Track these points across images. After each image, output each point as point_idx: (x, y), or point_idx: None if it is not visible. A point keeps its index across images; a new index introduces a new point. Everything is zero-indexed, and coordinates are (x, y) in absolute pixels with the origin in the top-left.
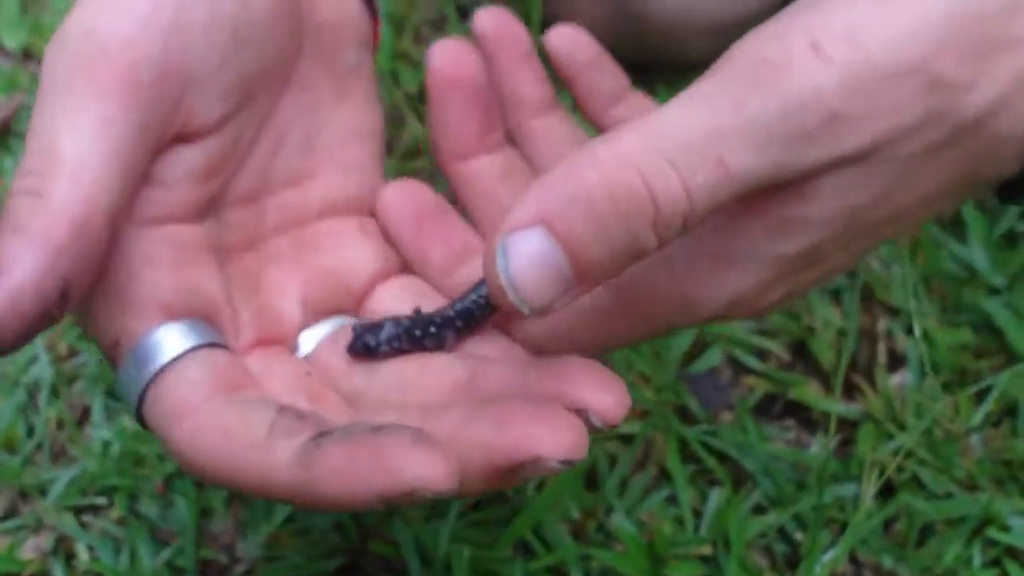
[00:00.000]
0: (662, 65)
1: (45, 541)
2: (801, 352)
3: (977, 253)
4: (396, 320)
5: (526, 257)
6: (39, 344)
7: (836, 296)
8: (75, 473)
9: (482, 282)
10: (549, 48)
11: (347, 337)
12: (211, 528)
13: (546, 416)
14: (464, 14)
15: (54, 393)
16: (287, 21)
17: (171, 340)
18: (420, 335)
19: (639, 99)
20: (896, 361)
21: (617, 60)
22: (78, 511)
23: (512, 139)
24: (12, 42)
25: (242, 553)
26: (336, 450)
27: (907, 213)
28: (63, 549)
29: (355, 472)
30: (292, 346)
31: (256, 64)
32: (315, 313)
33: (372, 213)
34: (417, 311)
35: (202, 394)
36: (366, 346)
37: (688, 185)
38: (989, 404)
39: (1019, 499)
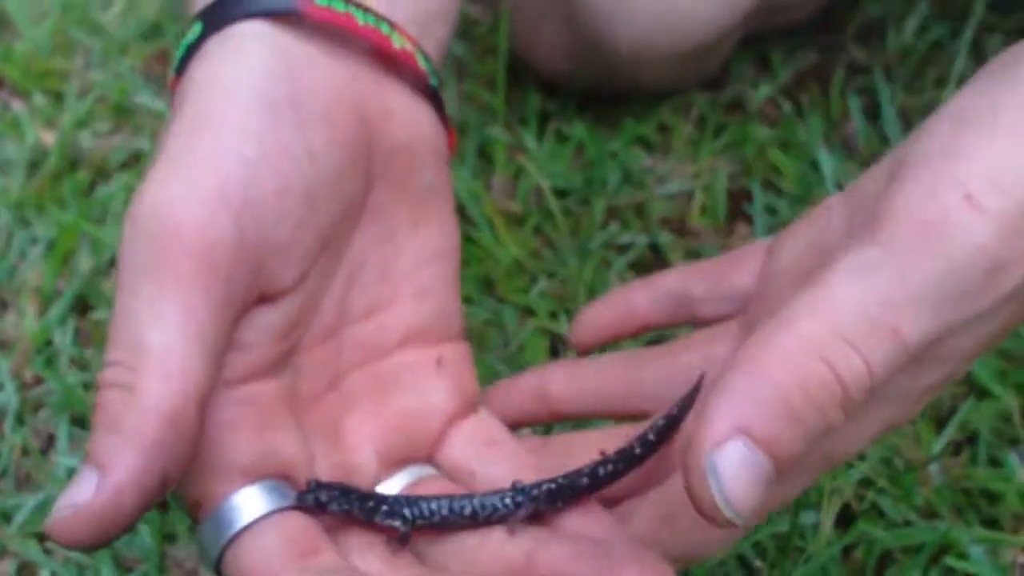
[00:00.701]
0: (624, 92)
1: (8, 567)
2: None
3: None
4: (350, 492)
5: (733, 471)
6: (4, 372)
7: None
8: (40, 500)
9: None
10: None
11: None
12: (174, 554)
13: None
14: None
15: (19, 420)
16: (358, 160)
17: (249, 504)
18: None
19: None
20: None
21: (580, 90)
22: (42, 538)
23: None
24: None
25: None
26: None
27: None
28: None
29: None
30: None
31: (331, 217)
32: (391, 463)
33: (450, 334)
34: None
35: (278, 562)
36: (316, 501)
37: (869, 361)
38: (949, 433)
39: (977, 527)
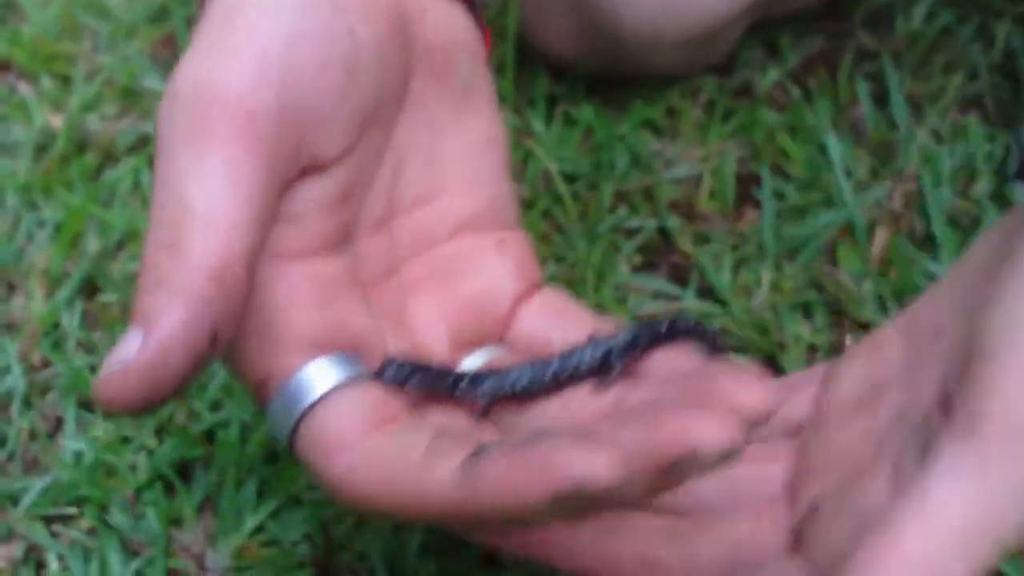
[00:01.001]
0: (633, 77)
1: (15, 550)
2: (771, 367)
3: (949, 269)
4: (430, 367)
5: None
6: (11, 355)
7: (806, 311)
8: (47, 483)
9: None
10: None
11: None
12: (181, 538)
13: (698, 413)
14: None
15: (27, 404)
16: (396, 50)
17: (321, 375)
18: (452, 384)
19: None
20: None
21: (589, 73)
22: (49, 521)
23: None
24: None
25: (211, 564)
26: (498, 460)
27: None
28: (33, 559)
29: (521, 478)
30: None
31: (371, 95)
32: (463, 345)
33: (504, 222)
34: (591, 337)
35: (357, 429)
36: (396, 376)
37: (973, 569)
38: None
39: None
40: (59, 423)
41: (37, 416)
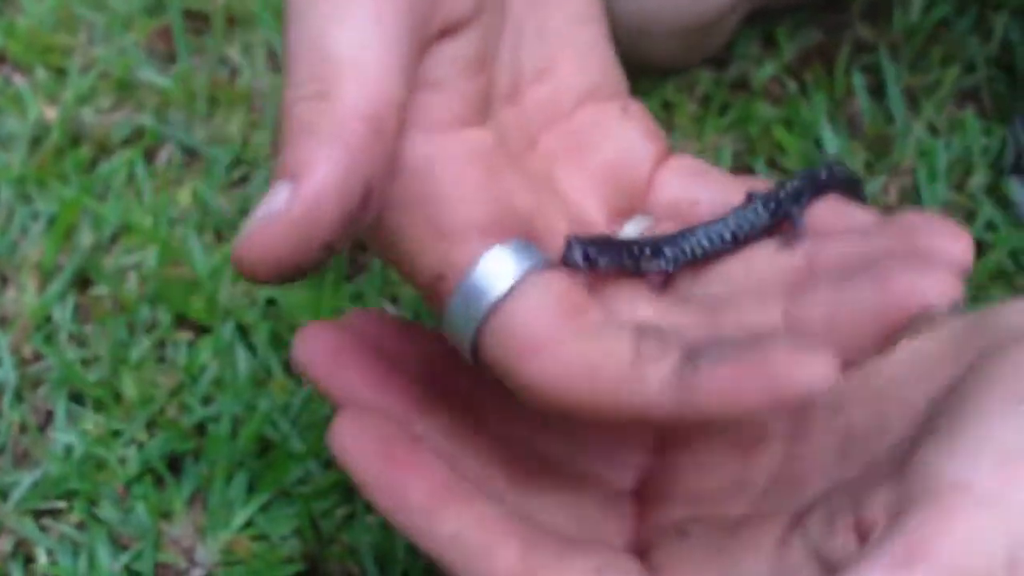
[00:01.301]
0: (628, 70)
1: (4, 544)
2: None
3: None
4: (612, 242)
5: None
6: (3, 348)
7: None
8: (36, 477)
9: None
10: None
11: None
12: (170, 532)
13: (919, 266)
14: None
15: (18, 397)
16: None
17: (502, 268)
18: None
19: None
20: None
21: None
22: (38, 515)
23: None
24: None
25: (201, 558)
26: (718, 371)
27: None
28: (22, 552)
29: (742, 389)
30: None
31: None
32: (616, 214)
33: (619, 92)
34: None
35: (550, 325)
36: (586, 257)
37: None
38: None
39: None
40: (50, 416)
41: (28, 409)
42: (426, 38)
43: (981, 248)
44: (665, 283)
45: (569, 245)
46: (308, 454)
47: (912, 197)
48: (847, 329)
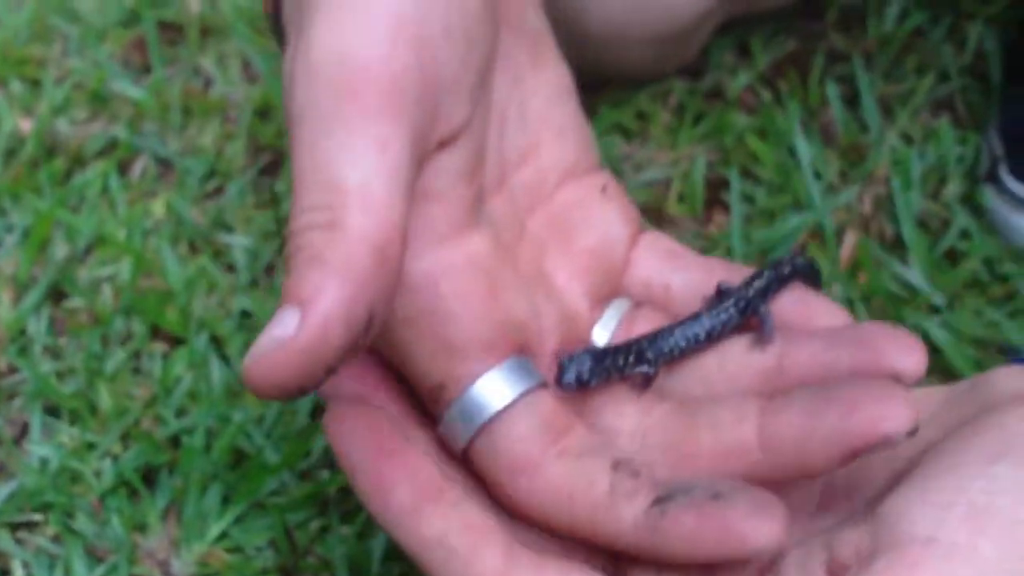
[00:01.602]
0: (602, 80)
1: None
2: None
3: (917, 272)
4: (599, 356)
5: None
6: None
7: None
8: (12, 489)
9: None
10: None
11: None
12: (145, 544)
13: (884, 396)
14: None
15: None
16: (490, 4)
17: (498, 389)
18: (621, 367)
19: None
20: None
21: None
22: (14, 528)
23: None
24: None
25: (176, 570)
26: (683, 518)
27: None
28: None
29: (702, 540)
30: (588, 342)
31: (483, 56)
32: (595, 301)
33: (595, 165)
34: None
35: (537, 448)
36: (579, 380)
37: None
38: None
39: None
40: (25, 429)
41: (3, 422)
42: (425, 153)
43: (956, 257)
44: (650, 381)
45: (562, 368)
46: (282, 466)
47: (886, 206)
48: (815, 452)
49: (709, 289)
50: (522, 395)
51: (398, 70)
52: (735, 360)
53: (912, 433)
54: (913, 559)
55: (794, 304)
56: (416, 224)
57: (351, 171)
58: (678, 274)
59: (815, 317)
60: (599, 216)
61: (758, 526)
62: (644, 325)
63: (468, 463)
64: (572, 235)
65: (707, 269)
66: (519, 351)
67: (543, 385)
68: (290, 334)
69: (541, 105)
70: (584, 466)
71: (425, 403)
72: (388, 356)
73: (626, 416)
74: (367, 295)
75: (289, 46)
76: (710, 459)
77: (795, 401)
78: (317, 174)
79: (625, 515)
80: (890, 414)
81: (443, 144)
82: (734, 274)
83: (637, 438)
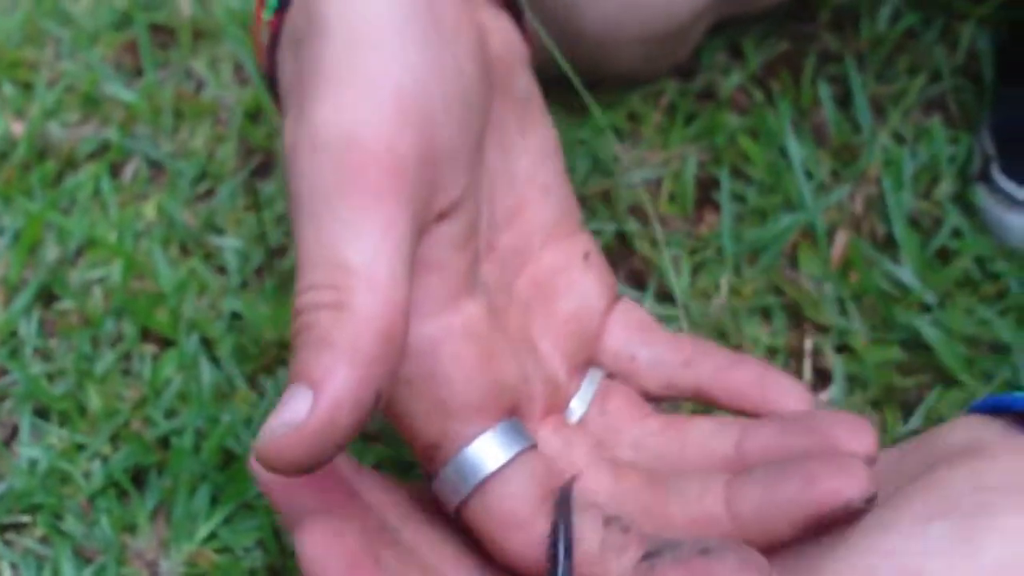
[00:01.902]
0: (594, 80)
1: None
2: None
3: (908, 271)
4: None
5: None
6: None
7: (765, 314)
8: (1, 491)
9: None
10: None
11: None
12: (134, 545)
13: (842, 465)
14: None
15: None
16: (485, 71)
17: (491, 451)
18: None
19: None
20: (824, 379)
21: (549, 77)
22: (2, 529)
23: None
24: None
25: (165, 570)
26: (670, 573)
27: None
28: None
29: None
30: (565, 410)
31: (479, 124)
32: (573, 369)
33: (577, 224)
34: None
35: (530, 506)
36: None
37: None
38: (916, 421)
39: None
40: (15, 431)
41: None
42: (425, 225)
43: (948, 256)
44: None
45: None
46: None
47: (878, 205)
48: (779, 520)
49: (675, 364)
50: (515, 456)
51: (403, 150)
52: (696, 445)
53: (872, 500)
54: None
55: (751, 384)
56: (416, 294)
57: (357, 252)
58: (645, 348)
59: (774, 396)
60: (580, 283)
61: None
62: (617, 400)
63: (460, 520)
64: (554, 301)
65: (674, 345)
66: (510, 413)
67: (534, 447)
68: (301, 418)
69: (528, 165)
70: (576, 521)
71: (420, 460)
72: (384, 414)
73: (603, 482)
74: (375, 376)
75: (289, 117)
76: (684, 527)
77: (758, 475)
78: (323, 252)
79: (614, 569)
80: (849, 482)
81: (442, 215)
82: (700, 350)
83: (614, 503)
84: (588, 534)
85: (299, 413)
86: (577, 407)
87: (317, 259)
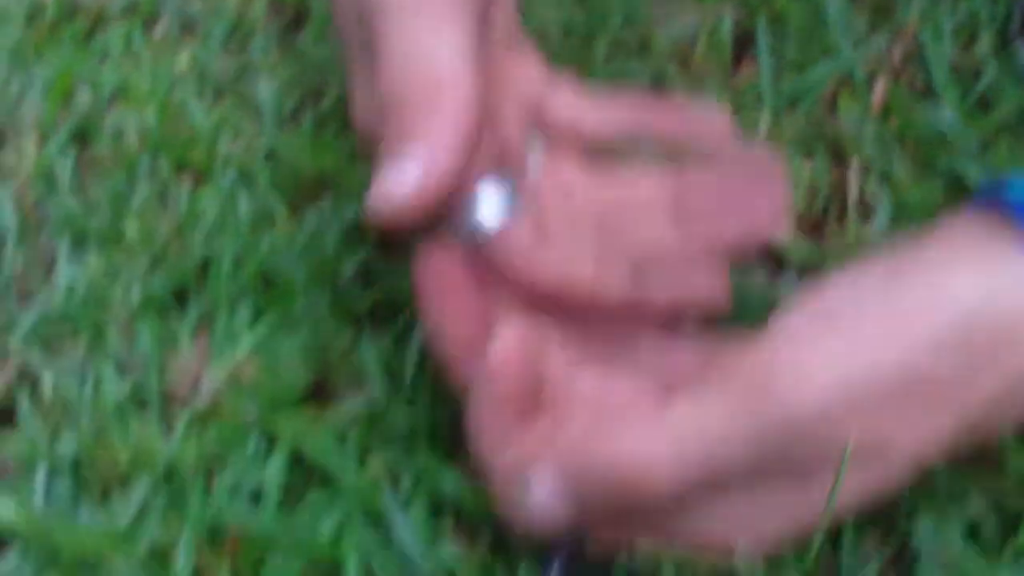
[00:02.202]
0: None
1: (10, 373)
2: None
3: (950, 117)
4: None
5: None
6: (5, 197)
7: (807, 154)
8: (41, 311)
9: None
10: None
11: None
12: (176, 361)
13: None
14: None
15: (20, 242)
16: None
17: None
18: None
19: None
20: (866, 214)
21: None
22: (43, 346)
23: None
24: None
25: (206, 385)
26: (659, 279)
27: None
28: (27, 382)
29: (675, 292)
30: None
31: None
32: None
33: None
34: None
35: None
36: None
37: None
38: None
39: None
40: (53, 261)
41: (31, 252)
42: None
43: (988, 105)
44: None
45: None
46: (313, 285)
47: (916, 58)
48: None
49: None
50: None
51: None
52: (638, 201)
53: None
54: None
55: (677, 120)
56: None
57: (442, 58)
58: (584, 112)
59: (697, 126)
60: (525, 62)
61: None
62: (563, 161)
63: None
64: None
65: (611, 104)
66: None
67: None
68: (411, 176)
69: None
70: (575, 251)
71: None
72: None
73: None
74: (455, 168)
75: None
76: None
77: (703, 207)
78: (408, 50)
79: (614, 286)
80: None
81: None
82: (631, 104)
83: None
84: (585, 258)
85: (406, 175)
86: (534, 163)
87: (402, 57)
